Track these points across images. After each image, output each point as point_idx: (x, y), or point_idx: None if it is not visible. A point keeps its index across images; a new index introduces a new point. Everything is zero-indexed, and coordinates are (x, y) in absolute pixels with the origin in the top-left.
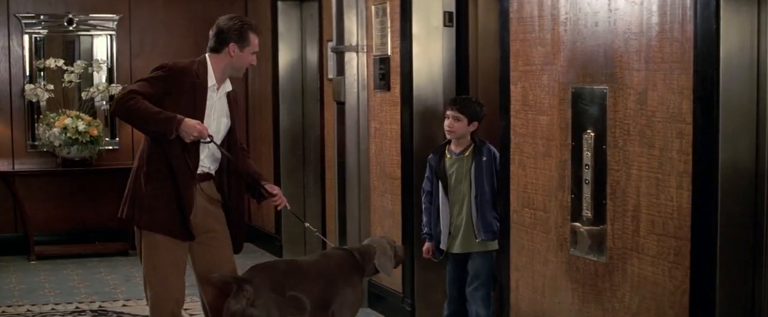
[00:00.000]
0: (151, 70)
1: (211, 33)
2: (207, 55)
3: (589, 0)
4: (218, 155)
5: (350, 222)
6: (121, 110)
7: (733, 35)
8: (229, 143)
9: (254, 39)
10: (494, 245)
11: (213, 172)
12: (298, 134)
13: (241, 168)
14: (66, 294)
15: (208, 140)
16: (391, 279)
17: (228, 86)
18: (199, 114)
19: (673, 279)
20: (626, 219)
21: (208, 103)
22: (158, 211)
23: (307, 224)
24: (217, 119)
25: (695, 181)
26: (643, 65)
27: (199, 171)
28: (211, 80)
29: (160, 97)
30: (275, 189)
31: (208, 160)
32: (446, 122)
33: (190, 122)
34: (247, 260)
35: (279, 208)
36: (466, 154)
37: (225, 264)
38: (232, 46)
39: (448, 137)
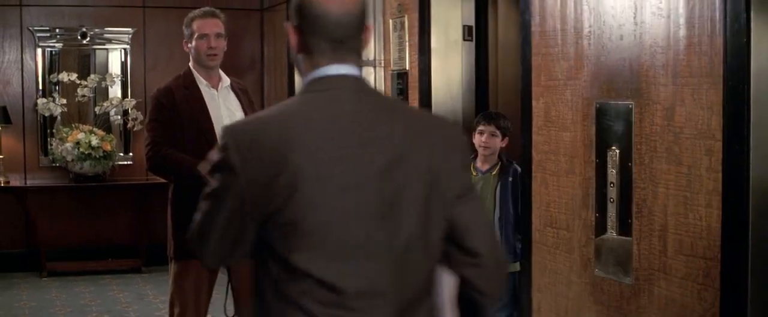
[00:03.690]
0: (149, 104)
1: None
2: (190, 63)
3: (613, 13)
4: None
5: None
6: (154, 170)
7: (765, 49)
8: None
9: (196, 24)
10: (516, 267)
11: None
12: None
13: None
14: (77, 312)
15: None
16: None
17: (226, 81)
18: (204, 118)
19: (703, 302)
20: (653, 239)
21: (210, 104)
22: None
23: None
24: (229, 116)
25: (725, 200)
26: (670, 80)
27: None
28: (202, 82)
29: (170, 123)
30: None
31: None
32: (481, 138)
33: None
34: None
35: None
36: (493, 173)
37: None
38: (184, 43)
39: (482, 153)
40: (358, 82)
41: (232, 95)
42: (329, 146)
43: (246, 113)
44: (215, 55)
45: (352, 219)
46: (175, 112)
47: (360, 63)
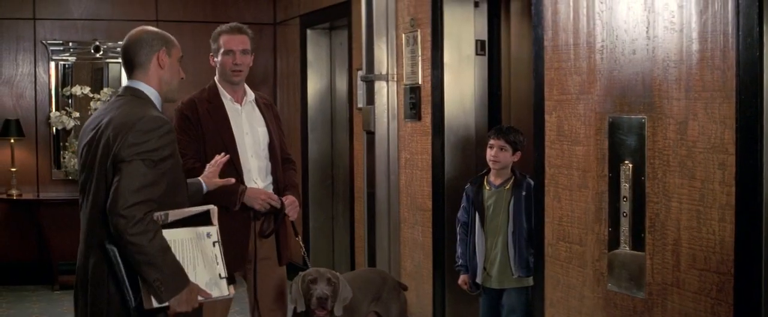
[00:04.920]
0: (174, 116)
1: None
2: (215, 76)
3: (626, 27)
4: (265, 167)
5: (380, 254)
6: None
7: None
8: (270, 155)
9: (223, 39)
10: (529, 281)
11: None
12: (327, 164)
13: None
14: None
15: (279, 204)
16: (422, 312)
17: (251, 95)
18: (227, 133)
19: (716, 316)
20: (666, 253)
21: (232, 119)
22: None
23: (298, 239)
24: (251, 130)
25: (738, 214)
26: (683, 94)
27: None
28: (226, 97)
29: (194, 136)
30: (287, 199)
31: (260, 178)
32: (491, 152)
33: (253, 191)
34: None
35: (289, 217)
36: (507, 187)
37: (276, 287)
38: (210, 57)
39: (492, 167)
40: (127, 90)
41: (256, 110)
42: (86, 128)
43: (269, 128)
44: (240, 71)
45: (80, 174)
46: (199, 125)
47: (142, 78)
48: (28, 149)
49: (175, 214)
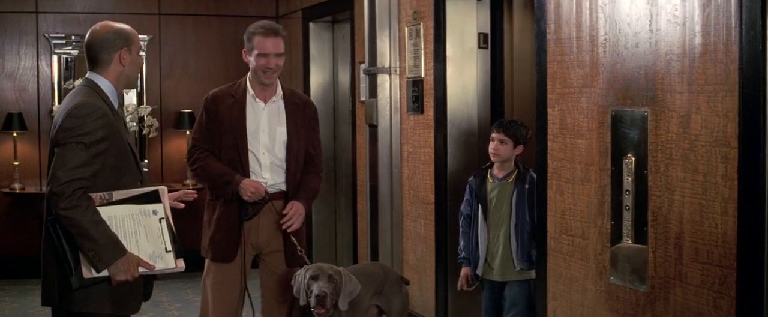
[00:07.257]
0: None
1: None
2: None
3: (629, 21)
4: (279, 165)
5: (382, 248)
6: (192, 174)
7: None
8: (287, 154)
9: (257, 40)
10: (532, 274)
11: (284, 188)
12: (329, 158)
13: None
14: None
15: (265, 198)
16: (425, 305)
17: (279, 95)
18: (239, 129)
19: (718, 310)
20: (669, 247)
21: (250, 116)
22: (205, 236)
23: (299, 248)
24: (269, 128)
25: (741, 207)
26: (685, 87)
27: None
28: (250, 93)
29: (212, 128)
30: (291, 209)
31: (269, 175)
32: (491, 146)
33: (246, 183)
34: None
35: (286, 228)
36: (510, 180)
37: (284, 280)
38: (244, 53)
39: (492, 160)
40: (85, 81)
41: (281, 110)
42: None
43: (289, 129)
44: (273, 73)
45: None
46: (217, 119)
47: (101, 73)
48: (30, 143)
49: (120, 194)
